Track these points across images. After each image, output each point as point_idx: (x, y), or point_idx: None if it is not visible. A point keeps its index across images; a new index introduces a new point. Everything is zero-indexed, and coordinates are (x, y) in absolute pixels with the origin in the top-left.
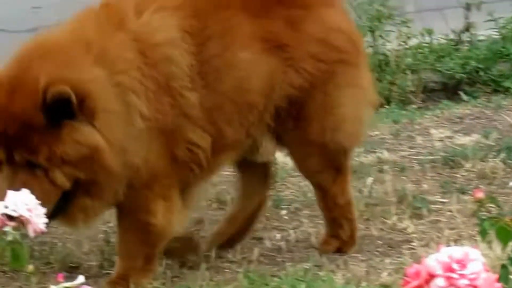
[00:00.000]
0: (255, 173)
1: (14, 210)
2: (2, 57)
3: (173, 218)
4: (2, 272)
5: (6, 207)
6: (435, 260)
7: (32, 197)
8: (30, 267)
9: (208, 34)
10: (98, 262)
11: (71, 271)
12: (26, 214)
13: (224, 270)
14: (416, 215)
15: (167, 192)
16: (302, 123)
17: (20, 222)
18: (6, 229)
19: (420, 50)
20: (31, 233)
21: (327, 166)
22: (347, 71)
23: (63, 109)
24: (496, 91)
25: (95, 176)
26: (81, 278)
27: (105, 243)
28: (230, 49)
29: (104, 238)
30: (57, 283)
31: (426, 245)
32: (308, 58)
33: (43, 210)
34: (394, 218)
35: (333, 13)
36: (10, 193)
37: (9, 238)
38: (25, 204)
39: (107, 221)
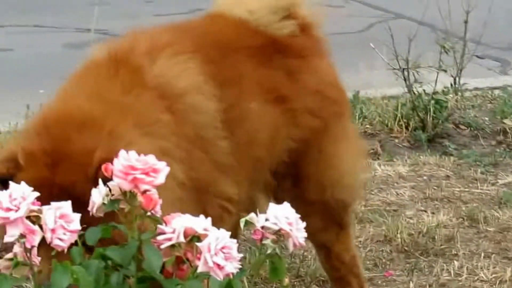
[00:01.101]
0: None
1: (275, 223)
2: None
3: None
4: (253, 283)
5: (267, 219)
6: None
7: (293, 211)
8: (286, 281)
9: (223, 81)
10: None
11: (322, 285)
12: (286, 227)
13: None
14: None
15: None
16: (301, 182)
17: (280, 235)
18: (265, 241)
19: None
20: (291, 247)
21: (329, 224)
22: (339, 123)
23: None
24: None
25: None
26: None
27: None
28: (242, 99)
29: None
30: None
31: None
32: (305, 113)
33: (304, 225)
34: None
35: (325, 65)
36: (272, 206)
37: (269, 251)
38: (285, 217)
39: (357, 235)
